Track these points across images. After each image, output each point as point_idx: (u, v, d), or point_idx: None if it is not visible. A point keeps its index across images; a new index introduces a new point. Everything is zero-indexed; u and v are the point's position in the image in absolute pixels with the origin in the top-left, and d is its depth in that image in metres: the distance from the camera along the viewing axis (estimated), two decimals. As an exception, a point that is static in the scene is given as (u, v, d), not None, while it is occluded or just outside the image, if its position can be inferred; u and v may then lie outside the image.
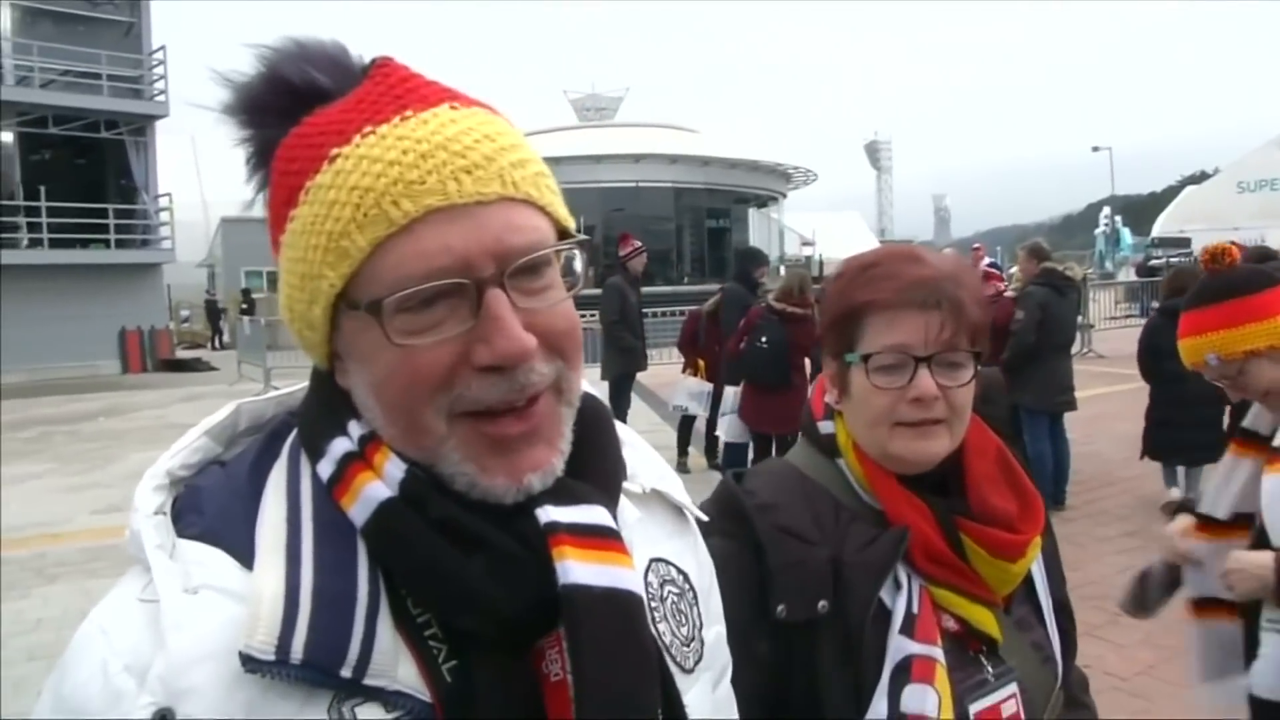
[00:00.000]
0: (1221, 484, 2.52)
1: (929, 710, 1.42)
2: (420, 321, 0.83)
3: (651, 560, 1.06)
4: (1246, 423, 2.54)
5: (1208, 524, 2.50)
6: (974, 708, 1.51)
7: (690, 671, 1.04)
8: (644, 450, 1.14)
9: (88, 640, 0.83)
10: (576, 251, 0.93)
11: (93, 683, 0.80)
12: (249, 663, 0.77)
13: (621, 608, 0.86)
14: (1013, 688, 1.55)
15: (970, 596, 1.55)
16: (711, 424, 10.55)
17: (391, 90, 0.88)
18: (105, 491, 10.44)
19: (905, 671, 1.45)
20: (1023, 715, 1.56)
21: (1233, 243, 2.60)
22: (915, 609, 1.49)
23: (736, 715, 1.22)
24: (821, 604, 1.48)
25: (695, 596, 1.11)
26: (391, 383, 0.85)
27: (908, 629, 1.47)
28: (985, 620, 1.55)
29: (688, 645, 1.06)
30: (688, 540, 1.15)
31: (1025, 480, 1.64)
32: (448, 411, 0.85)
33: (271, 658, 0.77)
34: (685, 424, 10.68)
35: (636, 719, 0.84)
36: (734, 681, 1.18)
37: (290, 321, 0.93)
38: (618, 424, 1.07)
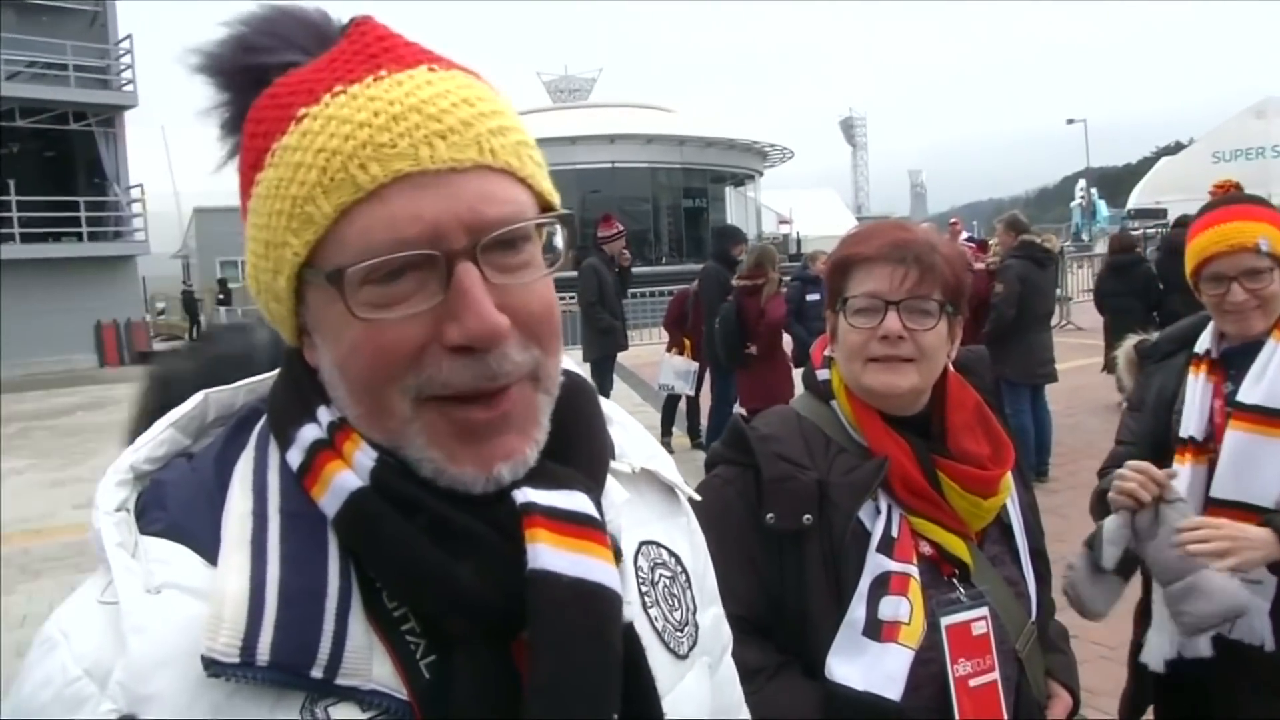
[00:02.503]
0: (1192, 404, 2.56)
1: (902, 616, 1.64)
2: (387, 294, 0.78)
3: (642, 543, 1.02)
4: (1200, 347, 2.61)
5: (1186, 446, 2.54)
6: (945, 620, 1.71)
7: (684, 658, 1.01)
8: (633, 428, 1.10)
9: (49, 644, 0.79)
10: (558, 227, 0.88)
11: (52, 687, 0.76)
12: (212, 666, 0.73)
13: (588, 601, 0.81)
14: (984, 610, 1.74)
15: (944, 526, 1.76)
16: (694, 403, 10.57)
17: (367, 49, 0.83)
18: (87, 486, 10.24)
19: (883, 585, 1.67)
20: (993, 638, 1.74)
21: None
22: (895, 533, 1.72)
23: (740, 694, 1.20)
24: (806, 517, 1.72)
25: (688, 579, 1.07)
26: (356, 359, 0.80)
27: (886, 549, 1.70)
28: (958, 547, 1.76)
29: (681, 630, 1.02)
30: (679, 521, 1.11)
31: (999, 429, 1.86)
32: (415, 395, 0.80)
33: (236, 660, 0.73)
34: (670, 403, 10.69)
35: None
36: (734, 586, 1.20)
37: (256, 294, 0.88)
38: (604, 401, 1.03)
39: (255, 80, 0.85)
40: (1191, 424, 2.54)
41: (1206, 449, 2.50)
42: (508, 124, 0.84)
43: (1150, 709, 2.76)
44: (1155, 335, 2.87)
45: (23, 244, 25.60)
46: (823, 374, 1.92)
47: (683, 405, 10.67)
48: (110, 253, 27.49)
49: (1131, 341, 2.90)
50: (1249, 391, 2.42)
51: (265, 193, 0.82)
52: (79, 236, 27.01)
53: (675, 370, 10.30)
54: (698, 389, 10.34)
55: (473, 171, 0.80)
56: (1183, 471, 2.47)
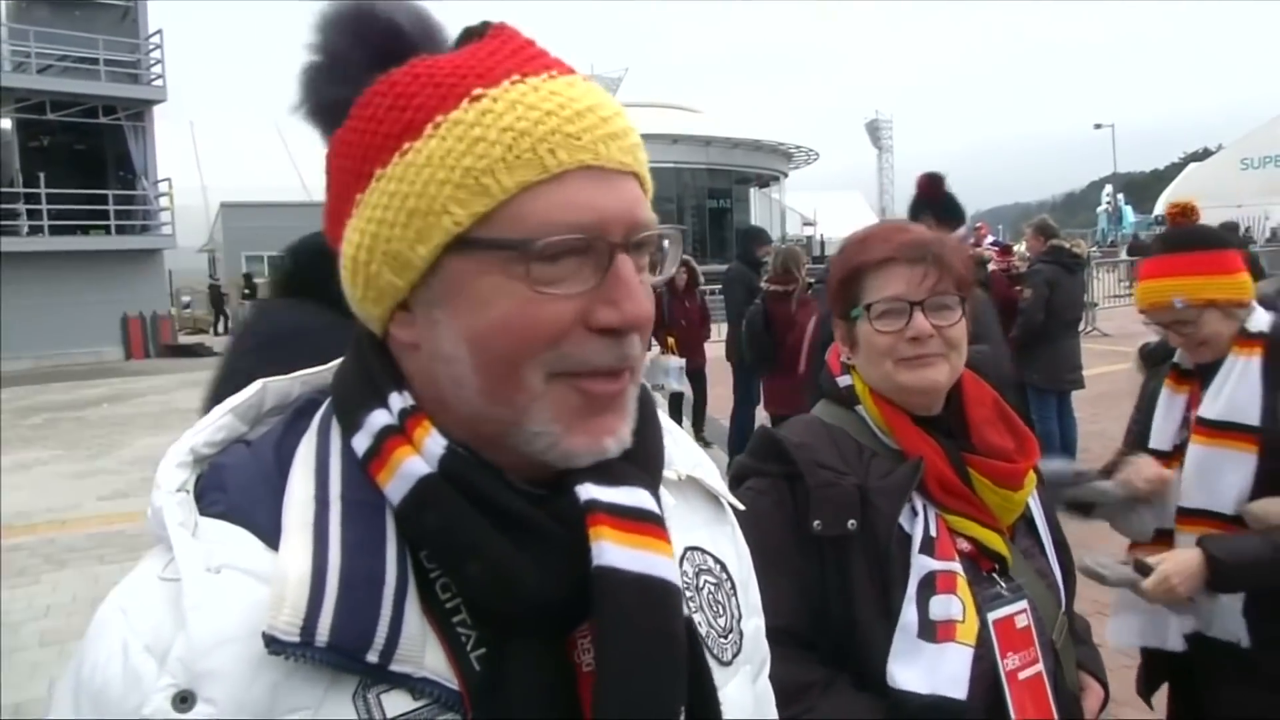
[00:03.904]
0: (1163, 417, 2.72)
1: (955, 615, 1.64)
2: (549, 273, 0.81)
3: (687, 549, 1.03)
4: (1178, 359, 2.75)
5: (1157, 459, 2.68)
6: (991, 616, 1.71)
7: (728, 664, 1.02)
8: (679, 436, 1.12)
9: (108, 620, 0.81)
10: (670, 238, 0.93)
11: (113, 663, 0.78)
12: (272, 644, 0.75)
13: (654, 596, 0.83)
14: (1024, 603, 1.77)
15: (979, 523, 1.77)
16: (700, 398, 10.79)
17: (525, 49, 0.88)
18: (111, 478, 10.45)
19: (930, 585, 1.67)
20: (1034, 630, 1.76)
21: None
22: (933, 532, 1.72)
23: (775, 711, 1.20)
24: (851, 523, 1.72)
25: (733, 587, 1.08)
26: (505, 331, 0.82)
27: (928, 549, 1.70)
28: (995, 541, 1.77)
29: (725, 637, 1.03)
30: (725, 529, 1.13)
31: (1019, 422, 1.88)
32: (550, 370, 0.83)
33: (296, 639, 0.75)
34: (675, 401, 10.73)
35: (656, 714, 0.81)
36: (776, 598, 1.20)
37: (365, 263, 0.86)
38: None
39: (367, 65, 0.88)
40: (1156, 436, 2.71)
41: (1175, 458, 2.64)
42: (640, 141, 0.90)
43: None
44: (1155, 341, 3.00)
45: (52, 236, 25.88)
46: (844, 380, 1.92)
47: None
48: (137, 246, 27.76)
49: (1139, 345, 3.07)
50: (1209, 406, 2.56)
51: (424, 161, 0.83)
52: (107, 229, 27.28)
53: (664, 369, 10.36)
54: (700, 392, 10.57)
55: (629, 175, 0.87)
56: None
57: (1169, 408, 2.72)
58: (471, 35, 0.91)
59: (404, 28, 0.90)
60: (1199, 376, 2.66)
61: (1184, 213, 2.74)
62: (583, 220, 0.82)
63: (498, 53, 0.87)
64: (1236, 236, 11.62)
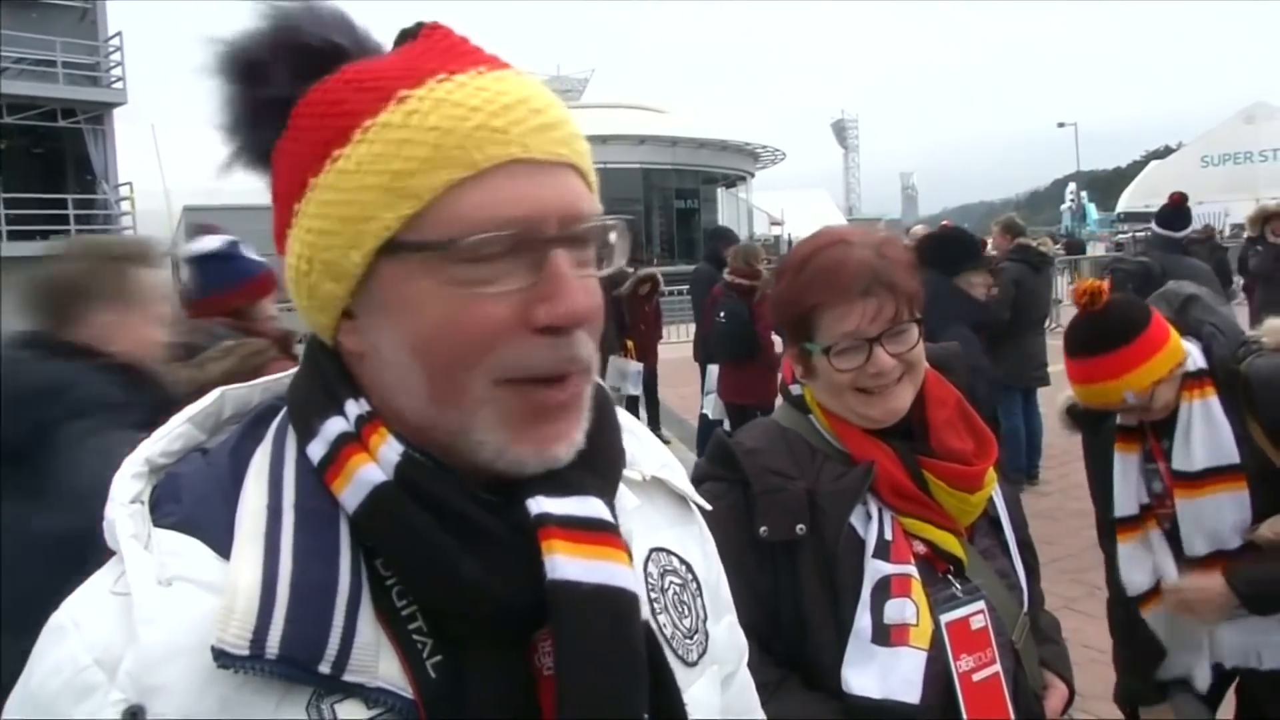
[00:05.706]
0: (1122, 482, 2.68)
1: (909, 618, 1.64)
2: (479, 273, 0.80)
3: (652, 550, 1.03)
4: (1120, 421, 2.69)
5: (1125, 524, 2.68)
6: (944, 618, 1.71)
7: (693, 665, 1.02)
8: (644, 437, 1.11)
9: (58, 632, 0.80)
10: (615, 229, 0.91)
11: (62, 676, 0.77)
12: (222, 658, 0.73)
13: (610, 606, 0.82)
14: (980, 604, 1.76)
15: (935, 524, 1.76)
16: (652, 400, 11.08)
17: (456, 47, 0.87)
18: (73, 485, 10.30)
19: (884, 589, 1.66)
20: (991, 631, 1.75)
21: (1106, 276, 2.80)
22: (888, 535, 1.71)
23: (758, 703, 1.20)
24: (799, 527, 1.71)
25: (699, 587, 1.08)
26: (442, 335, 0.81)
27: (882, 553, 1.69)
28: (950, 543, 1.76)
29: (690, 638, 1.03)
30: (691, 530, 1.13)
31: (980, 424, 1.86)
32: (493, 376, 0.82)
33: (245, 653, 0.74)
34: (631, 404, 10.76)
35: None
36: (734, 600, 1.20)
37: (305, 273, 0.87)
38: (618, 410, 1.05)
39: (296, 71, 0.87)
40: (1121, 504, 2.67)
41: (1149, 516, 2.66)
42: (579, 131, 0.89)
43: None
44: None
45: (10, 241, 25.46)
46: (795, 389, 1.92)
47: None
48: (99, 251, 27.33)
49: (1063, 404, 2.88)
50: (1182, 459, 2.52)
51: (353, 168, 0.82)
52: (67, 234, 26.87)
53: (621, 371, 10.45)
54: (651, 390, 10.88)
55: (564, 167, 0.85)
56: (1124, 550, 2.68)
57: (1126, 470, 2.66)
58: (405, 38, 0.91)
59: (334, 39, 0.89)
60: (1153, 428, 2.62)
61: (1093, 299, 2.47)
62: (513, 215, 0.80)
63: (426, 53, 0.86)
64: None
